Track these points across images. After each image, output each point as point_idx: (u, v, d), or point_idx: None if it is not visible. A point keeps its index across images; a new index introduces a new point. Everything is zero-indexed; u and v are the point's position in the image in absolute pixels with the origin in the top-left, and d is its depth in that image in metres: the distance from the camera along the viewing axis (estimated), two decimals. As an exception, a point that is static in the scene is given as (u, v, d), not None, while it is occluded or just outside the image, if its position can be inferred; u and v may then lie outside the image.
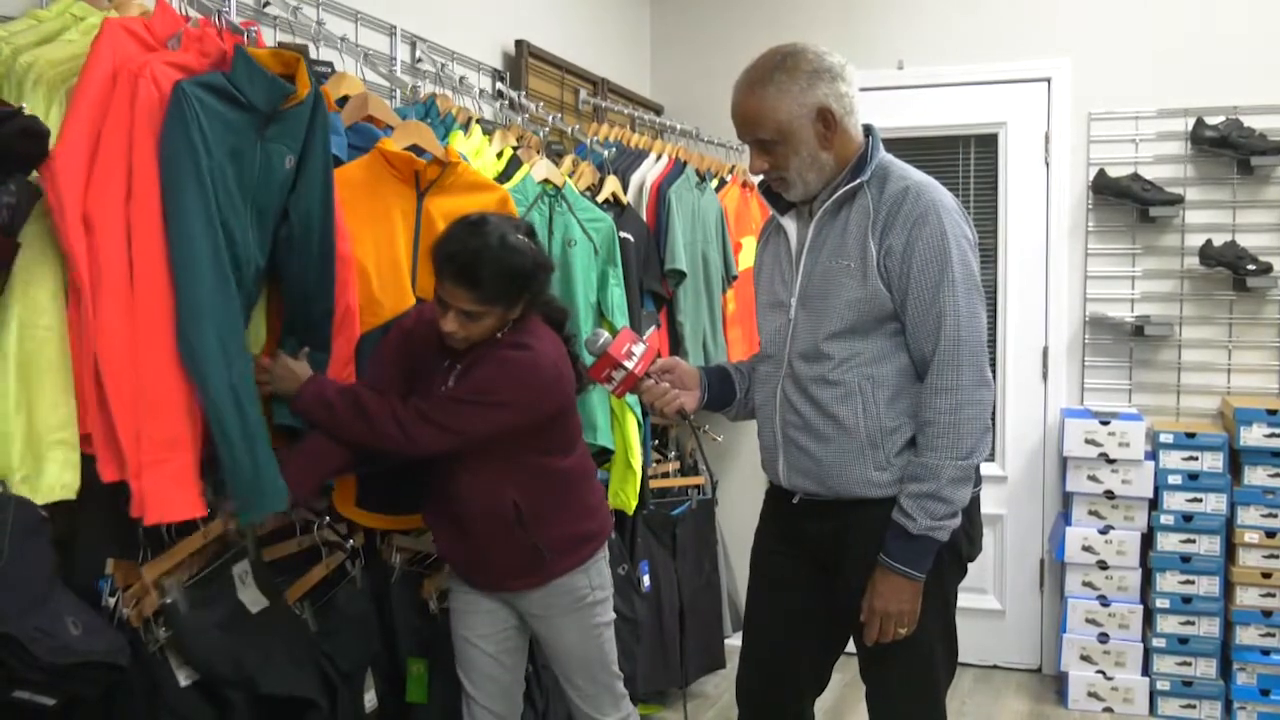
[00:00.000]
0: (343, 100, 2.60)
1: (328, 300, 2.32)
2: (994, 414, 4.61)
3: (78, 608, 1.90)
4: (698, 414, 2.48)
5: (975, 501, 2.36)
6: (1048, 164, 4.69)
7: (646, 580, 3.85)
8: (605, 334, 2.32)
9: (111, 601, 2.10)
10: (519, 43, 3.89)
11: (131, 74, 1.97)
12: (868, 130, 2.34)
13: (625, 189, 3.81)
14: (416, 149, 2.58)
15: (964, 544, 2.34)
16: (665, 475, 4.28)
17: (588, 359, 2.38)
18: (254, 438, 2.09)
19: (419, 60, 3.31)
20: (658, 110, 5.05)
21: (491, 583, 2.54)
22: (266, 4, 2.69)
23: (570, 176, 3.35)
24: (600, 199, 3.52)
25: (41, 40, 1.98)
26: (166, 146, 1.98)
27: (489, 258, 2.29)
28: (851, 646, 2.43)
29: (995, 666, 4.80)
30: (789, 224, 2.37)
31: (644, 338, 2.37)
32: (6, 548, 1.74)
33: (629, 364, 2.30)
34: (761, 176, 2.33)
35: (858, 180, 2.25)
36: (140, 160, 1.97)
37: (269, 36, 2.62)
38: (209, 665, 2.16)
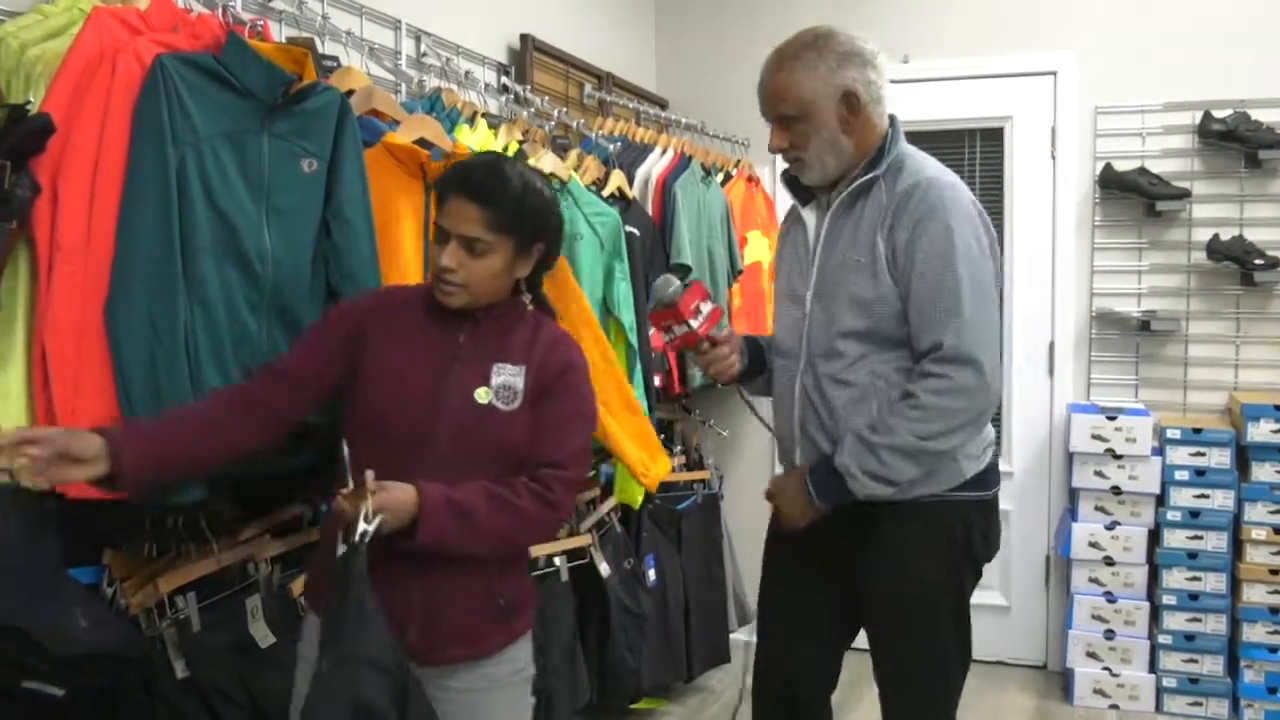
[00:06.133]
0: (348, 95, 2.60)
1: None
2: (999, 409, 4.66)
3: (85, 600, 1.91)
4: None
5: (994, 502, 2.38)
6: (1054, 158, 4.68)
7: (652, 574, 3.85)
8: (676, 281, 2.24)
9: (110, 592, 2.10)
10: (524, 36, 3.89)
11: (114, 52, 1.96)
12: (891, 122, 2.32)
13: (631, 183, 3.81)
14: (423, 142, 2.58)
15: (980, 545, 2.35)
16: (671, 469, 4.27)
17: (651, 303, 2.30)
18: None
19: (424, 54, 3.31)
20: (663, 104, 5.05)
21: (428, 649, 1.92)
22: (272, -2, 2.69)
23: (576, 171, 3.35)
24: (606, 193, 3.52)
25: (48, 35, 1.99)
26: (135, 115, 1.96)
27: (505, 178, 1.97)
28: (862, 642, 2.43)
29: (1000, 662, 4.79)
30: (809, 216, 2.36)
31: (712, 300, 2.31)
32: (15, 541, 1.75)
33: (694, 322, 2.24)
34: (784, 165, 2.33)
35: (873, 173, 2.24)
36: (112, 132, 1.95)
37: (275, 31, 2.61)
38: (215, 682, 2.15)
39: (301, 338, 2.06)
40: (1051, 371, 4.72)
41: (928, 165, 2.27)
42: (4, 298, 1.84)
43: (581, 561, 3.39)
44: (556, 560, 3.27)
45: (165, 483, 1.91)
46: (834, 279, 2.27)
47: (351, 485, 1.80)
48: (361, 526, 1.76)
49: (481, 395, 1.97)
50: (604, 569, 3.47)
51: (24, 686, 1.79)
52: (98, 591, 2.08)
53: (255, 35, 2.36)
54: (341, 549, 1.78)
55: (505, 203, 1.95)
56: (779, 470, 2.50)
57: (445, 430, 1.95)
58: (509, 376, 1.99)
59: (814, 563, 2.39)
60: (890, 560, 2.29)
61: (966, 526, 2.31)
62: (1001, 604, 4.80)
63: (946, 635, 2.33)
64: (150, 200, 1.96)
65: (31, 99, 1.89)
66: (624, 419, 3.00)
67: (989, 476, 2.35)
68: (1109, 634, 4.36)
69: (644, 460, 3.06)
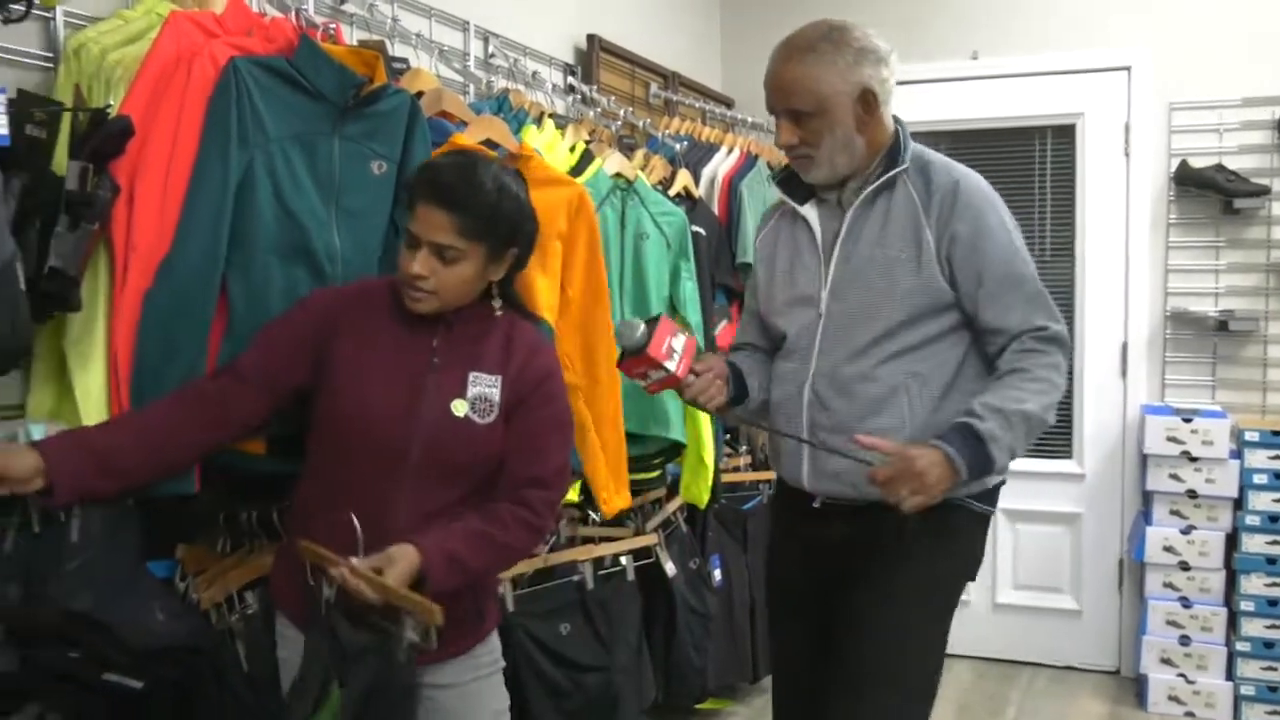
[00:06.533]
0: (417, 96, 2.63)
1: None
2: (1070, 410, 4.61)
3: (162, 594, 1.95)
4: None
5: (989, 523, 2.27)
6: (1127, 155, 4.60)
7: (718, 575, 3.84)
8: (640, 324, 1.97)
9: (183, 586, 2.14)
10: (590, 37, 3.90)
11: (190, 56, 2.00)
12: (896, 121, 2.24)
13: (697, 183, 3.81)
14: (490, 143, 2.59)
15: (973, 565, 2.27)
16: (736, 469, 4.27)
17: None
18: None
19: (492, 55, 3.33)
20: (729, 103, 5.03)
21: None
22: (343, 1, 2.72)
23: (642, 170, 3.35)
24: (672, 193, 3.52)
25: (128, 40, 2.03)
26: (206, 116, 2.00)
27: (478, 182, 1.90)
28: None
29: (1071, 668, 4.72)
30: (810, 214, 2.24)
31: (684, 331, 2.04)
32: (97, 537, 1.79)
33: (670, 364, 1.97)
34: (782, 164, 2.22)
35: (896, 169, 2.16)
36: (185, 134, 1.99)
37: (346, 34, 2.65)
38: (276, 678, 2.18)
39: (263, 335, 1.97)
40: (1124, 372, 4.63)
41: (952, 162, 2.22)
42: (85, 299, 1.87)
43: (647, 561, 3.39)
44: (623, 560, 3.27)
45: (114, 490, 1.84)
46: (863, 275, 2.16)
47: (363, 553, 1.80)
48: (409, 637, 1.77)
49: (458, 408, 1.92)
50: (670, 569, 3.47)
51: (105, 679, 1.83)
52: (171, 585, 2.12)
53: (328, 38, 2.39)
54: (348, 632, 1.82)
55: (479, 209, 1.89)
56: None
57: (419, 443, 1.90)
58: (485, 388, 1.95)
59: (823, 586, 2.25)
60: (896, 560, 2.15)
61: (971, 540, 2.24)
62: (1073, 608, 4.72)
63: (932, 650, 2.20)
64: (207, 200, 1.99)
65: (111, 102, 1.93)
66: (607, 435, 2.86)
67: (997, 494, 2.26)
68: (1184, 640, 4.27)
69: (610, 487, 2.93)
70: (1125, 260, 4.61)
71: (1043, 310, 2.14)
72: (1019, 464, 2.20)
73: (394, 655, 1.78)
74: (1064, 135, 4.72)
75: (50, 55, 2.05)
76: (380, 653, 1.80)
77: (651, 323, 1.98)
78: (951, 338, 2.17)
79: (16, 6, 1.77)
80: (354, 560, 1.78)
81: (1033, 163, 4.73)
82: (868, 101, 2.12)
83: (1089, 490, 4.69)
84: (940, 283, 2.13)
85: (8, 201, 1.70)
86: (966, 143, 4.62)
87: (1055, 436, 4.68)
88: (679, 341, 1.99)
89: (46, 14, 2.03)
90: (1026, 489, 4.43)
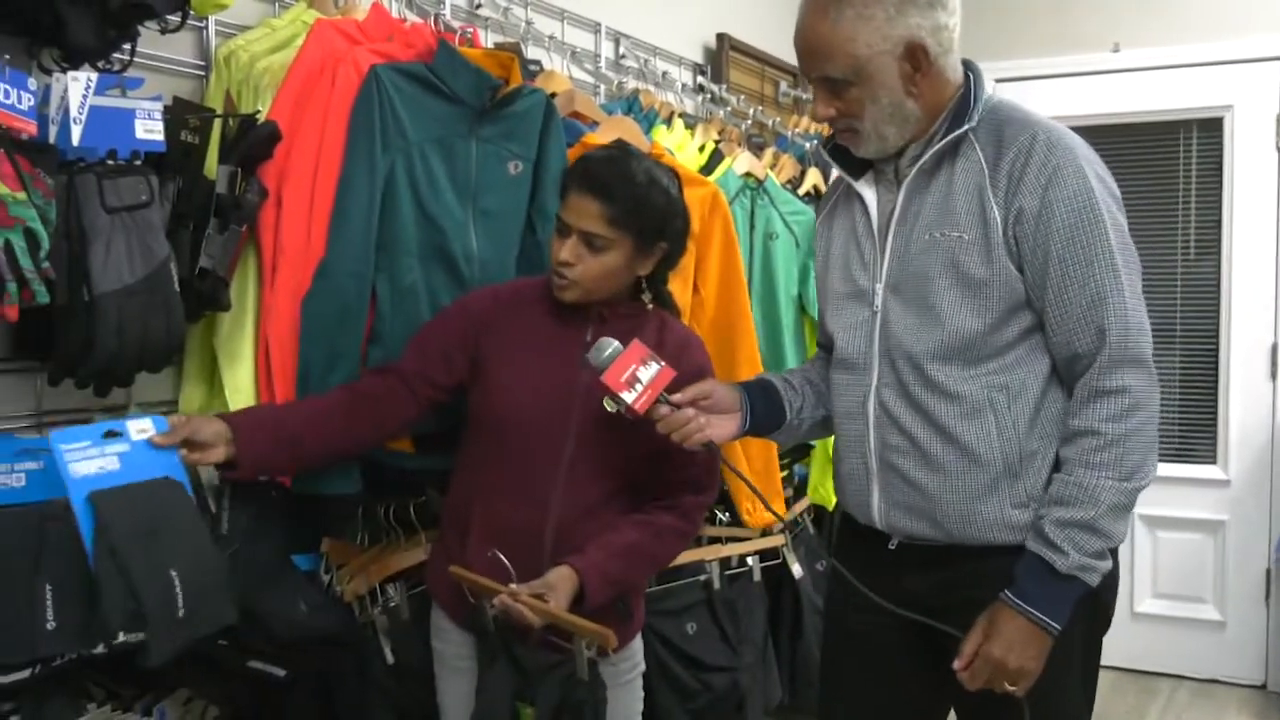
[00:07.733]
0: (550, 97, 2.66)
1: None
2: (1215, 413, 4.44)
3: (306, 586, 2.01)
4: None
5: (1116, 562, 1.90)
6: (1279, 149, 4.41)
7: (845, 577, 3.80)
8: (611, 344, 1.81)
9: (326, 579, 2.20)
10: (720, 36, 3.90)
11: (334, 63, 2.06)
12: (968, 68, 1.83)
13: (826, 181, 3.77)
14: (620, 142, 2.61)
15: (1110, 593, 1.84)
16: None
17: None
18: None
19: (622, 56, 3.36)
20: (858, 101, 4.97)
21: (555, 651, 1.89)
22: (479, 5, 2.77)
23: (771, 169, 3.34)
24: (802, 191, 3.50)
25: (275, 47, 2.10)
26: (350, 123, 2.05)
27: (629, 173, 1.91)
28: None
29: (1215, 681, 4.55)
30: (866, 189, 1.88)
31: (656, 360, 1.82)
32: (246, 530, 1.85)
33: (627, 396, 1.78)
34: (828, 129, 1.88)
35: (962, 129, 1.76)
36: (330, 139, 2.04)
37: (482, 38, 2.69)
38: (421, 668, 2.21)
39: (422, 337, 2.02)
40: (1274, 375, 4.45)
41: (1032, 112, 1.80)
42: (235, 298, 1.94)
43: (774, 562, 3.37)
44: (749, 560, 3.26)
45: (290, 467, 1.93)
46: (922, 264, 1.78)
47: (515, 581, 1.81)
48: (586, 653, 1.81)
49: (609, 404, 1.88)
50: (796, 570, 3.44)
51: (249, 666, 1.90)
52: (316, 578, 2.18)
53: (464, 42, 2.43)
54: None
55: (627, 200, 1.90)
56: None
57: (571, 438, 1.93)
58: None
59: (895, 634, 1.88)
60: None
61: (1101, 584, 1.78)
62: (1216, 619, 4.55)
63: (1075, 696, 1.85)
64: (357, 205, 2.04)
65: (260, 108, 1.99)
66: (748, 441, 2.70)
67: None
68: (1338, 656, 4.09)
69: (752, 498, 2.91)
70: (1275, 258, 4.43)
71: (1111, 314, 1.69)
72: (1159, 468, 1.80)
73: (577, 671, 1.81)
74: (1210, 129, 4.54)
75: (202, 64, 2.13)
76: (563, 668, 1.84)
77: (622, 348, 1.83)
78: (1038, 336, 1.77)
79: (173, 17, 1.84)
80: (514, 586, 1.80)
81: (1177, 158, 4.57)
82: (916, 58, 1.74)
83: (1234, 497, 4.51)
84: (1013, 271, 1.73)
85: (163, 205, 1.76)
86: (1107, 138, 4.47)
87: (1198, 441, 4.53)
88: (647, 371, 1.80)
89: (199, 23, 2.11)
90: (1167, 495, 4.30)
